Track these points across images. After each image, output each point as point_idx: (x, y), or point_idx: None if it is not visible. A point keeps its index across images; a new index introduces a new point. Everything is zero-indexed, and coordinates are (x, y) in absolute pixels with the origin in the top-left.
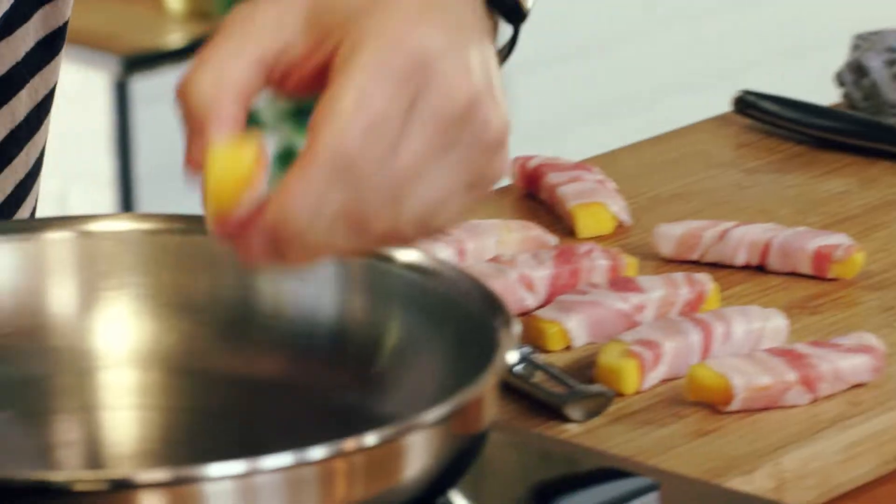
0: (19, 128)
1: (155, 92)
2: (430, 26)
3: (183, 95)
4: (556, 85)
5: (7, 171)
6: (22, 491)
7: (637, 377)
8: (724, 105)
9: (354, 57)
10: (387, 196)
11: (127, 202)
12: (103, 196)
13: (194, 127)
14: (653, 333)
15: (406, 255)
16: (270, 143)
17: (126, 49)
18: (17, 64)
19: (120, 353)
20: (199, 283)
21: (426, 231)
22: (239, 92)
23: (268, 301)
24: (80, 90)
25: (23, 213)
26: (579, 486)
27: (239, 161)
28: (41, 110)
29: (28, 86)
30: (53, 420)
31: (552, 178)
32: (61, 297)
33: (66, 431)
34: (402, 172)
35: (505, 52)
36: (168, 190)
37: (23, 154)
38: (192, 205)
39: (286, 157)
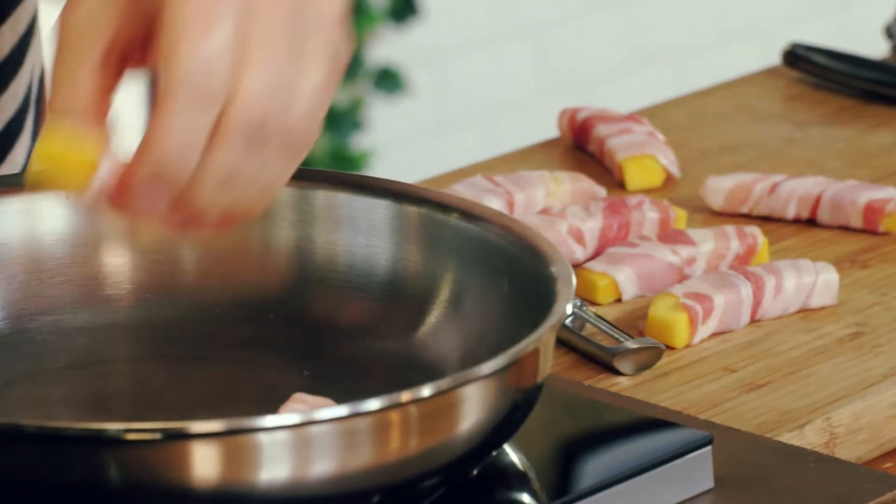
0: (5, 63)
1: None
2: None
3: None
4: (601, 34)
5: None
6: (76, 441)
7: (688, 331)
8: (771, 58)
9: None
10: (258, 96)
11: None
12: None
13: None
14: (703, 287)
15: (461, 205)
16: None
17: None
18: None
19: (174, 305)
20: (253, 233)
21: (312, 112)
22: (98, 100)
23: (322, 251)
24: None
25: (18, 151)
26: (632, 439)
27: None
28: (23, 44)
29: (10, 19)
30: (107, 370)
31: (601, 130)
32: (116, 249)
33: (121, 381)
34: (255, 71)
35: None
36: None
37: (10, 89)
38: None
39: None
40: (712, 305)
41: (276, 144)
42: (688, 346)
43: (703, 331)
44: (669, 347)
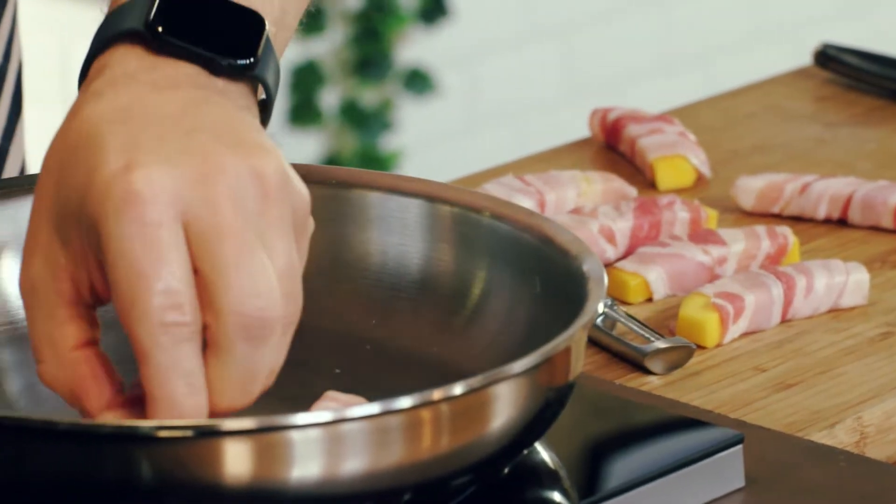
0: None
1: None
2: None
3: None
4: (631, 35)
5: None
6: (108, 438)
7: (718, 331)
8: (802, 59)
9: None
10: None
11: None
12: None
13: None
14: (734, 286)
15: (493, 204)
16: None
17: None
18: None
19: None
20: None
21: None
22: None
23: (354, 250)
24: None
25: (11, 166)
26: (663, 438)
27: None
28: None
29: None
30: (132, 370)
31: (632, 130)
32: None
33: None
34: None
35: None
36: None
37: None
38: None
39: (348, 111)
40: (743, 305)
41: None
42: (718, 345)
43: (734, 330)
44: (700, 347)
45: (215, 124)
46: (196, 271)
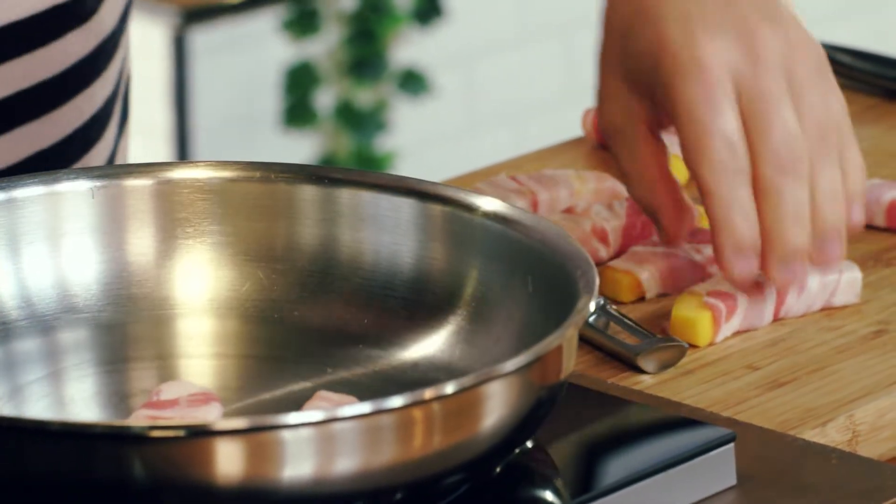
0: (106, 42)
1: (213, 45)
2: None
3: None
4: None
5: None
6: (100, 438)
7: (711, 329)
8: None
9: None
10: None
11: (183, 155)
12: (160, 149)
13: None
14: (727, 285)
15: (486, 203)
16: (328, 98)
17: (185, 1)
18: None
19: (197, 302)
20: (277, 232)
21: None
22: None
23: (347, 249)
24: (138, 43)
25: (97, 157)
26: (655, 437)
27: None
28: (122, 24)
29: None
30: (130, 368)
31: None
32: (139, 244)
33: (143, 379)
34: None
35: None
36: (225, 143)
37: (109, 69)
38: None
39: (343, 112)
40: (735, 304)
41: (809, 173)
42: (711, 344)
43: (727, 329)
44: (693, 346)
45: None
46: (744, 123)
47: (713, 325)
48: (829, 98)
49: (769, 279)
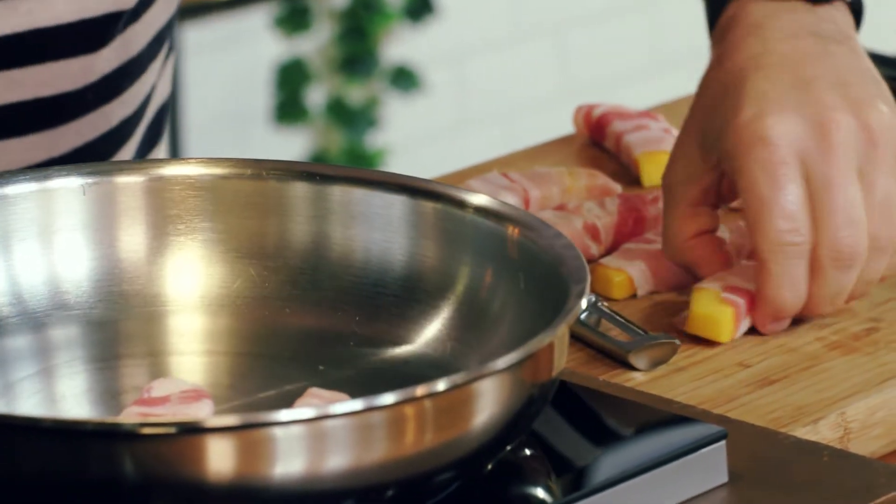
0: (133, 61)
1: (205, 41)
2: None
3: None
4: (621, 35)
5: (115, 102)
6: (91, 434)
7: (733, 325)
8: None
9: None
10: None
11: (175, 152)
12: None
13: None
14: (737, 280)
15: (477, 200)
16: (319, 94)
17: None
18: None
19: (189, 299)
20: (269, 229)
21: None
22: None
23: (338, 246)
24: None
25: (125, 153)
26: (647, 434)
27: None
28: (155, 44)
29: (146, 17)
30: (122, 364)
31: (617, 126)
32: (131, 241)
33: (134, 376)
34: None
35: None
36: (217, 140)
37: (134, 87)
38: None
39: (335, 108)
40: (752, 299)
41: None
42: (731, 339)
43: (744, 325)
44: (709, 343)
45: (830, 74)
46: (811, 205)
47: (735, 320)
48: None
49: (763, 330)
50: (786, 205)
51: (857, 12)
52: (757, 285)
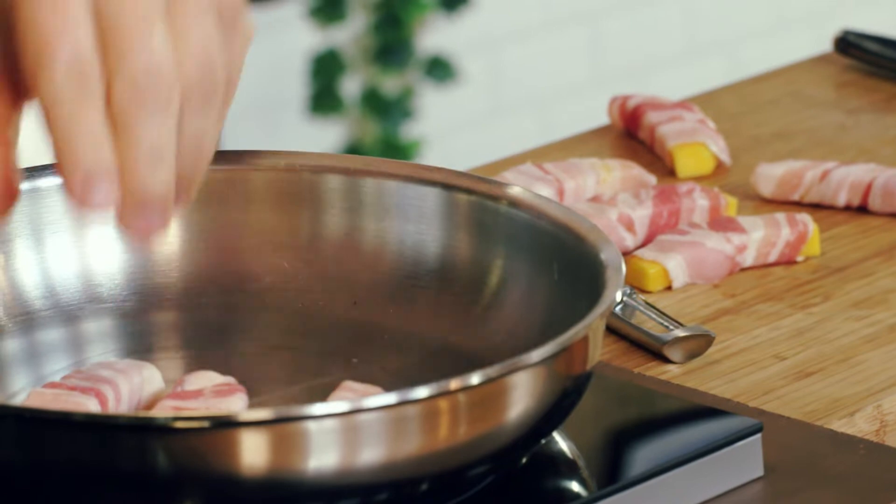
0: None
1: None
2: None
3: None
4: (655, 22)
5: None
6: (124, 429)
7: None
8: (823, 45)
9: None
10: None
11: None
12: None
13: None
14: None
15: (511, 192)
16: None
17: None
18: None
19: (221, 292)
20: (301, 221)
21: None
22: None
23: (371, 239)
24: None
25: None
26: (682, 427)
27: None
28: None
29: None
30: (155, 358)
31: (652, 117)
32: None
33: (167, 369)
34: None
35: None
36: (250, 131)
37: None
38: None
39: (370, 99)
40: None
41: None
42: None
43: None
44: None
45: None
46: (102, 42)
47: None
48: (231, 47)
49: (123, 227)
50: (75, 38)
51: None
52: (51, 145)
